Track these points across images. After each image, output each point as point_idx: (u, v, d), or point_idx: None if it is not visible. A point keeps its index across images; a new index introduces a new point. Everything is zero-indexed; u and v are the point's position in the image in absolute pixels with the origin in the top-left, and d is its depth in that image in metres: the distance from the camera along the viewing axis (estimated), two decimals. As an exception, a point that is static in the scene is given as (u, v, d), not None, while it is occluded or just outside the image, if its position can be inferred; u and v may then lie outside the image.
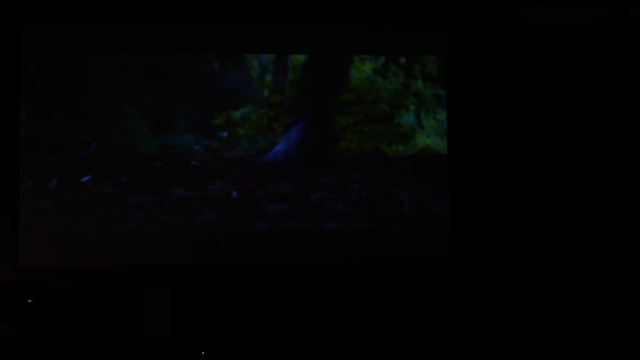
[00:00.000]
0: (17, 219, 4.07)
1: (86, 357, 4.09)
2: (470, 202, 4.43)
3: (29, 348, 3.85)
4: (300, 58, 4.36)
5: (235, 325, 4.23)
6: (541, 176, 4.47)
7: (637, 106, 4.55)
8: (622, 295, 4.44)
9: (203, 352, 4.17)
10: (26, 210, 4.08)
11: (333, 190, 4.34)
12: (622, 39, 4.57)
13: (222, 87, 4.30)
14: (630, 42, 4.58)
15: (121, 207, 4.16)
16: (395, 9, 4.44)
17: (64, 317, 4.09)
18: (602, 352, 4.38)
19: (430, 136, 4.42)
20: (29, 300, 3.95)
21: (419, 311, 4.36)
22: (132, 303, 4.17)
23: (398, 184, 4.38)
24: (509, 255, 4.43)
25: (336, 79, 4.39)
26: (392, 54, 4.43)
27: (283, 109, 4.34)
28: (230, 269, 4.26)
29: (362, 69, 4.41)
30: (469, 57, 4.49)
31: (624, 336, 4.40)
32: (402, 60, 4.42)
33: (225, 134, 4.27)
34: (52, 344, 4.03)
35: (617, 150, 4.52)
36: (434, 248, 4.39)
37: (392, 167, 4.39)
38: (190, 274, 4.23)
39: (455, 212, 4.40)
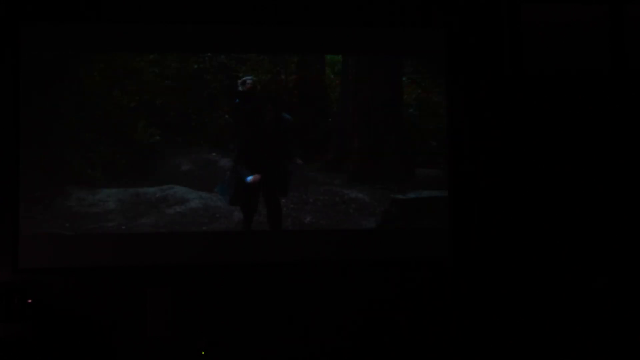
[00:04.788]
0: (17, 219, 4.07)
1: (86, 357, 4.09)
2: (470, 202, 4.43)
3: (29, 348, 3.85)
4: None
5: (235, 325, 4.23)
6: (541, 176, 4.47)
7: (637, 106, 4.55)
8: (622, 295, 4.44)
9: (203, 352, 4.17)
10: (26, 210, 4.08)
11: (332, 190, 4.36)
12: (622, 39, 4.57)
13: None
14: (630, 42, 4.58)
15: (122, 207, 4.17)
16: (395, 9, 4.44)
17: (64, 317, 4.09)
18: (602, 352, 4.38)
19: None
20: (29, 300, 3.95)
21: (419, 311, 4.36)
22: (132, 303, 4.17)
23: (397, 183, 4.40)
24: (509, 255, 4.43)
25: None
26: (392, 55, 4.43)
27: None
28: (230, 269, 4.26)
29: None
30: (469, 58, 4.49)
31: (624, 336, 4.40)
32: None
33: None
34: (52, 344, 4.03)
35: (618, 150, 4.52)
36: (434, 248, 4.39)
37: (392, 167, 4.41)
38: (190, 274, 4.23)
39: (455, 213, 4.40)
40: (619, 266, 4.46)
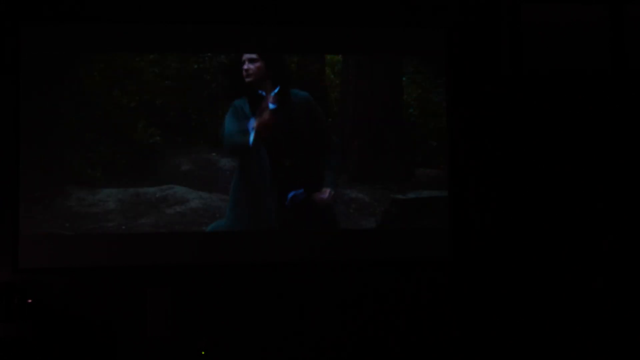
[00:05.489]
0: (17, 219, 4.07)
1: (86, 357, 4.09)
2: (470, 202, 4.43)
3: (29, 348, 3.85)
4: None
5: (235, 325, 4.23)
6: (541, 176, 4.47)
7: (637, 106, 4.55)
8: (622, 295, 4.44)
9: (203, 352, 4.17)
10: (26, 210, 4.08)
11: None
12: (622, 39, 4.57)
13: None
14: (630, 42, 4.58)
15: (122, 207, 4.17)
16: (394, 9, 4.44)
17: (64, 317, 4.09)
18: (602, 352, 4.38)
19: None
20: (29, 300, 3.95)
21: (419, 311, 4.36)
22: (132, 303, 4.17)
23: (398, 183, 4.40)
24: (509, 255, 4.43)
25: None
26: (392, 55, 4.43)
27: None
28: (230, 269, 4.26)
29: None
30: (468, 58, 4.49)
31: (624, 336, 4.40)
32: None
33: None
34: (52, 344, 4.03)
35: (618, 150, 4.52)
36: (434, 248, 4.39)
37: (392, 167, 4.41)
38: (190, 274, 4.23)
39: (455, 213, 4.40)
40: (619, 266, 4.46)
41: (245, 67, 4.27)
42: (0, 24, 4.13)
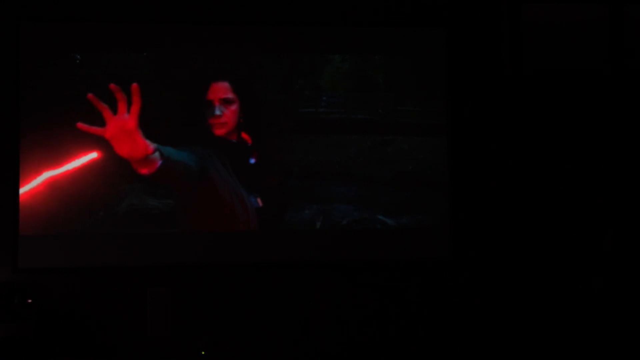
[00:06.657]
0: (17, 219, 4.07)
1: (86, 357, 4.09)
2: (470, 202, 4.43)
3: (29, 348, 3.85)
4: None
5: (235, 325, 4.24)
6: (541, 176, 4.47)
7: (637, 106, 4.55)
8: (622, 295, 4.44)
9: (203, 352, 4.17)
10: (26, 211, 4.08)
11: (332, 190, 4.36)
12: (622, 39, 4.57)
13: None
14: (630, 42, 4.58)
15: (121, 207, 4.17)
16: (394, 9, 4.44)
17: (64, 317, 4.09)
18: (602, 352, 4.38)
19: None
20: (29, 300, 3.95)
21: (418, 312, 4.36)
22: (132, 303, 4.17)
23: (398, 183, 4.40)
24: (509, 256, 4.43)
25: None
26: (392, 54, 4.43)
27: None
28: (230, 269, 4.26)
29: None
30: (469, 57, 4.49)
31: (624, 336, 4.40)
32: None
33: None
34: (52, 344, 4.04)
35: (618, 150, 4.52)
36: (434, 248, 4.39)
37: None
38: (190, 274, 4.23)
39: (455, 212, 4.40)
40: (619, 266, 4.46)
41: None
42: (0, 23, 4.13)
